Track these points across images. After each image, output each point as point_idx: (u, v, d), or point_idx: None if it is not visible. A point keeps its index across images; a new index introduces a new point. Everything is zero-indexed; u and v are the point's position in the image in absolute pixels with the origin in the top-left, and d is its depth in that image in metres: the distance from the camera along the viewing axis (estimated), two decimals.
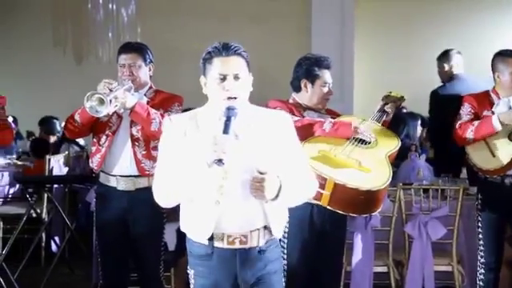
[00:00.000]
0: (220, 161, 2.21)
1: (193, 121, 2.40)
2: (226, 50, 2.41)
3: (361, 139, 3.33)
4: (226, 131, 2.28)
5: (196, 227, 2.39)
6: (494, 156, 3.65)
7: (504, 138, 3.65)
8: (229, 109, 2.33)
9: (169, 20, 8.29)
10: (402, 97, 3.72)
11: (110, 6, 8.46)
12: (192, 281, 2.45)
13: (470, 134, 3.66)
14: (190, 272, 2.45)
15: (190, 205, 2.37)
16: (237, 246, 2.37)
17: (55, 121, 7.22)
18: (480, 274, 3.83)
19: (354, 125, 3.37)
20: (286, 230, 3.49)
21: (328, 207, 3.08)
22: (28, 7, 8.91)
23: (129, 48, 3.54)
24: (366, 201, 3.07)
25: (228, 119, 2.30)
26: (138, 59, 3.48)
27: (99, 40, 8.55)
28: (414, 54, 8.92)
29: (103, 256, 3.55)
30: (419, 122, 6.03)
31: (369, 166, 3.13)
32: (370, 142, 3.34)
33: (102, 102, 3.18)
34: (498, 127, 3.60)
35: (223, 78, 2.36)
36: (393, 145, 3.41)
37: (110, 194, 3.44)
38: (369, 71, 8.77)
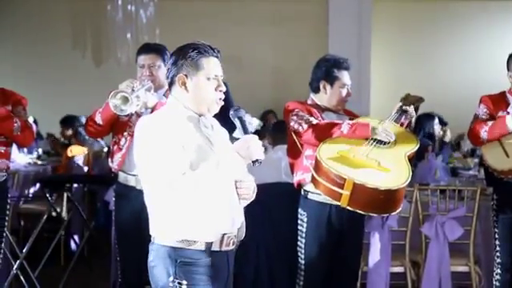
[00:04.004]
0: (257, 160, 2.26)
1: (188, 127, 2.32)
2: (216, 51, 2.38)
3: (379, 140, 3.33)
4: (246, 132, 2.31)
5: (209, 226, 2.28)
6: (508, 156, 3.65)
7: None
8: (235, 110, 2.35)
9: (187, 22, 8.34)
10: (421, 98, 3.72)
11: (129, 7, 8.53)
12: None
13: (484, 133, 3.67)
14: (181, 282, 2.26)
15: (206, 201, 2.25)
16: (231, 247, 2.36)
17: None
18: (496, 275, 3.82)
19: (371, 125, 3.38)
20: (304, 229, 3.53)
21: (348, 207, 3.08)
22: (47, 10, 9.00)
23: (148, 49, 3.60)
24: (385, 200, 3.07)
25: (242, 120, 2.33)
26: (158, 60, 3.53)
27: (118, 42, 8.61)
28: (430, 55, 8.94)
29: (122, 255, 3.60)
30: (436, 121, 6.01)
31: (388, 166, 3.12)
32: (388, 143, 3.33)
33: (125, 100, 3.24)
34: None
35: (218, 80, 2.36)
36: (411, 145, 3.39)
37: (129, 193, 3.48)
38: (385, 72, 8.79)
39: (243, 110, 2.37)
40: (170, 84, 2.38)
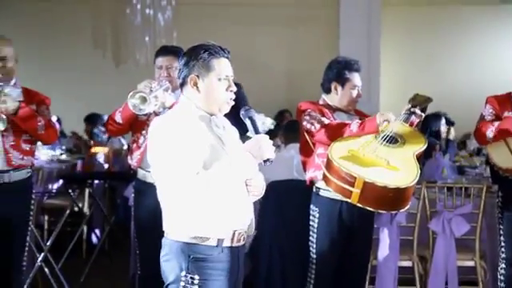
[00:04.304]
0: (268, 159, 2.32)
1: (200, 126, 2.36)
2: (227, 51, 2.42)
3: (389, 139, 3.34)
4: (257, 131, 2.37)
5: (224, 222, 2.34)
6: None
7: None
8: (246, 110, 2.39)
9: (203, 25, 8.46)
10: (429, 98, 3.77)
11: (148, 11, 8.68)
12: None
13: (490, 133, 3.73)
14: (194, 277, 2.31)
15: (220, 198, 2.31)
16: (241, 243, 2.41)
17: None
18: (501, 269, 3.87)
19: (378, 118, 3.40)
20: (316, 225, 3.61)
21: (358, 204, 3.14)
22: (69, 12, 9.16)
23: (166, 51, 3.69)
24: (394, 198, 3.12)
25: (252, 120, 2.38)
26: (175, 61, 3.58)
27: (137, 44, 8.76)
28: (437, 57, 9.02)
29: (141, 248, 3.70)
30: (443, 121, 6.06)
31: (397, 165, 3.17)
32: (397, 142, 3.37)
33: (144, 100, 3.35)
34: None
35: (229, 80, 2.40)
36: (420, 144, 3.42)
37: (148, 189, 3.51)
38: (394, 73, 8.88)
39: (254, 109, 2.41)
40: (182, 84, 2.42)
